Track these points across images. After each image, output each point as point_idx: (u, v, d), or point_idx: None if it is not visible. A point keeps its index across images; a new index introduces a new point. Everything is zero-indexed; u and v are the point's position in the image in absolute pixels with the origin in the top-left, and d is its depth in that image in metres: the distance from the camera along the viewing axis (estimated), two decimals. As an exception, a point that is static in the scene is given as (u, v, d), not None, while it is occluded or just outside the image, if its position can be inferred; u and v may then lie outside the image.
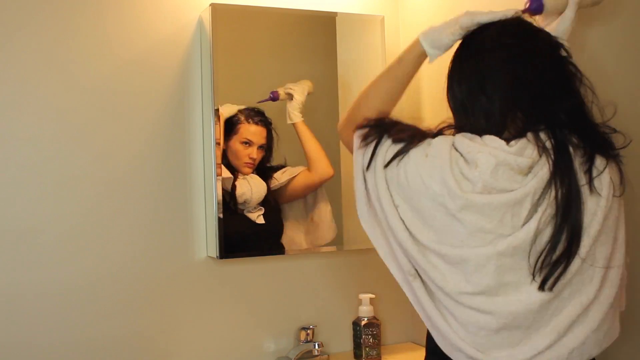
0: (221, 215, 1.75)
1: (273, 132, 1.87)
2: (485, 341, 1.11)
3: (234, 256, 1.80)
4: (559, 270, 1.08)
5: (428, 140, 1.18)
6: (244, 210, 1.83)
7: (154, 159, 1.78)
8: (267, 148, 1.88)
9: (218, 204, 1.75)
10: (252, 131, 1.84)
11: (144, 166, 1.77)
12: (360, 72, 1.97)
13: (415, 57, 1.28)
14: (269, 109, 1.87)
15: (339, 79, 1.94)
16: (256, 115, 1.85)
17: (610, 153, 1.15)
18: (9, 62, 1.64)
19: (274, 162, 1.89)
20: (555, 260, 1.08)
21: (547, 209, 1.09)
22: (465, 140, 1.13)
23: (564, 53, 1.19)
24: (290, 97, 1.88)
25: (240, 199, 1.81)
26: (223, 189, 1.77)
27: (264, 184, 1.85)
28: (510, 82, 1.15)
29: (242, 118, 1.84)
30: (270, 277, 1.91)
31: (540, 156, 1.11)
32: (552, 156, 1.10)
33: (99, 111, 1.72)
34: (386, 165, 1.19)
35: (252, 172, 1.85)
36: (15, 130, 1.65)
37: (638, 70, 1.41)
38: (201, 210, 1.83)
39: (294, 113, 1.88)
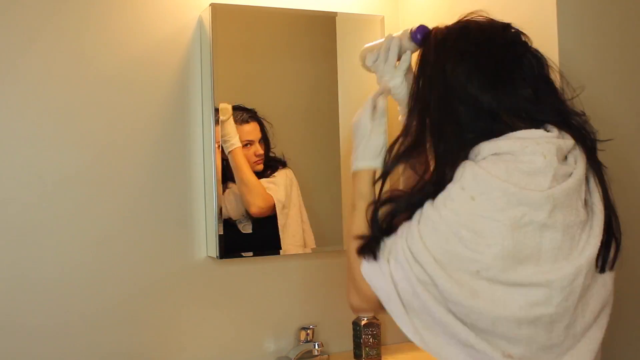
0: (221, 216, 1.75)
1: (264, 122, 1.86)
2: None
3: (234, 256, 1.80)
4: (613, 250, 1.11)
5: (451, 186, 1.08)
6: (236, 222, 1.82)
7: (154, 158, 1.78)
8: (266, 139, 1.87)
9: (218, 203, 1.75)
10: (247, 130, 1.83)
11: (143, 166, 1.77)
12: (360, 72, 1.96)
13: (366, 183, 1.22)
14: (253, 101, 1.84)
15: (339, 79, 1.94)
16: (245, 112, 1.84)
17: (590, 144, 1.16)
18: (8, 62, 1.64)
19: (275, 150, 1.88)
20: (607, 240, 1.10)
21: (598, 192, 1.12)
22: (504, 141, 1.09)
23: (522, 42, 1.18)
24: (226, 118, 1.79)
25: (225, 216, 1.79)
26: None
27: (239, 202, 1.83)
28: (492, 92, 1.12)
29: (235, 123, 1.83)
30: (270, 277, 1.91)
31: (575, 141, 1.13)
32: (580, 140, 1.13)
33: (99, 111, 1.72)
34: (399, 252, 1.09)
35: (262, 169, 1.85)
36: (15, 130, 1.65)
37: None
38: (201, 210, 1.83)
39: (235, 138, 1.79)
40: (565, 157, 1.11)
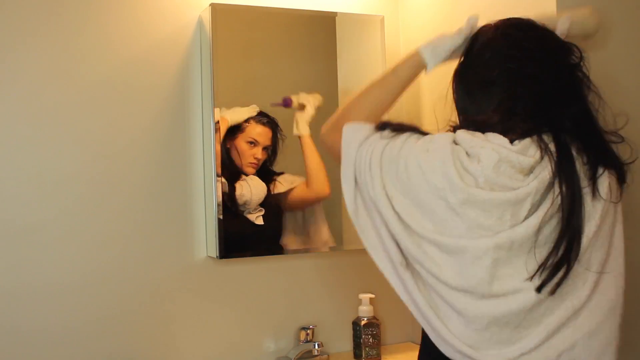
0: (221, 217, 1.75)
1: (279, 134, 1.87)
2: (474, 335, 1.10)
3: (234, 256, 1.80)
4: (560, 275, 1.08)
5: (429, 136, 1.18)
6: (244, 211, 1.83)
7: (154, 158, 1.78)
8: (272, 150, 1.88)
9: (218, 204, 1.75)
10: (258, 131, 1.84)
11: (143, 166, 1.77)
12: (360, 72, 1.97)
13: (411, 68, 1.28)
14: (277, 111, 1.86)
15: (339, 78, 1.94)
16: (263, 116, 1.85)
17: (612, 163, 1.15)
18: (8, 62, 1.64)
19: (277, 165, 1.89)
20: (556, 263, 1.08)
21: (549, 209, 1.09)
22: (467, 136, 1.13)
23: (575, 58, 1.18)
24: (302, 107, 1.87)
25: (240, 200, 1.81)
26: (222, 191, 1.77)
27: (263, 185, 1.85)
28: (515, 85, 1.15)
29: (250, 119, 1.84)
30: (270, 277, 1.91)
31: (542, 157, 1.11)
32: (555, 158, 1.10)
33: (99, 111, 1.72)
34: (383, 136, 1.20)
35: (254, 174, 1.85)
36: (14, 129, 1.65)
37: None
38: (201, 210, 1.83)
39: (303, 125, 1.87)
40: (531, 171, 1.11)
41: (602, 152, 1.15)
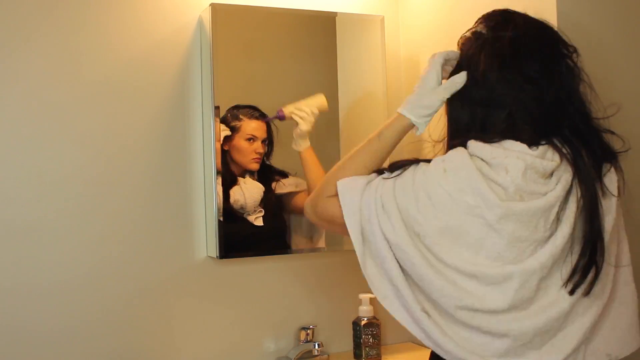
0: (221, 219, 1.75)
1: (272, 125, 1.87)
2: (517, 349, 1.10)
3: (234, 256, 1.80)
4: (591, 276, 1.10)
5: (439, 157, 1.14)
6: (243, 214, 1.83)
7: (154, 158, 1.78)
8: (268, 142, 1.88)
9: (218, 204, 1.75)
10: (253, 126, 1.84)
11: (144, 166, 1.77)
12: (360, 72, 1.97)
13: (397, 131, 1.24)
14: (253, 101, 1.85)
15: (339, 78, 1.94)
16: (254, 109, 1.85)
17: (611, 158, 1.17)
18: (8, 62, 1.64)
19: (274, 156, 1.88)
20: (586, 264, 1.10)
21: (575, 213, 1.10)
22: (485, 146, 1.12)
23: (566, 49, 1.19)
24: (295, 122, 1.86)
25: (235, 206, 1.81)
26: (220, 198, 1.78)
27: (259, 186, 1.85)
28: (518, 92, 1.14)
29: (242, 116, 1.84)
30: (270, 277, 1.91)
31: (562, 160, 1.12)
32: (572, 160, 1.12)
33: (99, 111, 1.72)
34: (385, 177, 1.16)
35: (252, 176, 1.85)
36: (14, 129, 1.65)
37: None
38: (201, 210, 1.83)
39: (297, 141, 1.85)
40: (551, 175, 1.12)
41: (602, 150, 1.16)
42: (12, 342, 1.63)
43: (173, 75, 1.80)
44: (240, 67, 1.84)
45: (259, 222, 1.84)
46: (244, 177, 1.84)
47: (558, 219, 1.10)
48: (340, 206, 1.17)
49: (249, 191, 1.83)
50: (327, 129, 1.90)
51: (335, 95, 1.93)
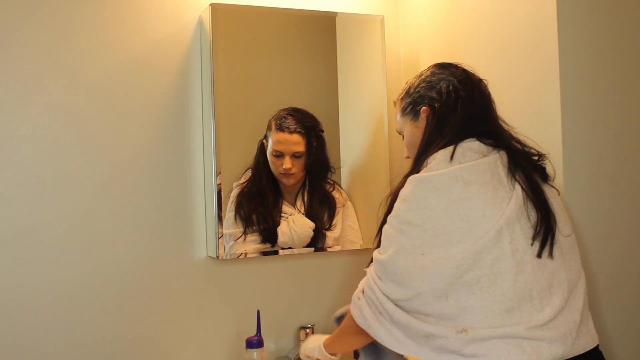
0: (221, 218, 1.75)
1: (312, 138, 1.81)
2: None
3: (234, 256, 1.80)
4: (549, 239, 1.28)
5: (413, 194, 1.29)
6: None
7: (154, 158, 1.78)
8: (308, 154, 1.81)
9: (218, 204, 1.75)
10: (279, 140, 1.77)
11: (144, 166, 1.77)
12: (360, 72, 1.97)
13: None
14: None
15: (339, 78, 1.94)
16: (286, 119, 1.81)
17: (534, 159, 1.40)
18: (8, 62, 1.64)
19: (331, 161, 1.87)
20: (545, 229, 1.28)
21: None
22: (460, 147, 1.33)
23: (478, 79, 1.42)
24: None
25: (281, 239, 1.78)
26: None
27: (307, 224, 1.77)
28: (465, 112, 1.38)
29: (272, 124, 1.79)
30: (270, 277, 1.91)
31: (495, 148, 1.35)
32: (504, 150, 1.34)
33: (99, 111, 1.72)
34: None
35: (298, 181, 1.82)
36: (14, 130, 1.65)
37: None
38: (201, 210, 1.83)
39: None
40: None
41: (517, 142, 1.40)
42: (12, 342, 1.63)
43: (173, 75, 1.80)
44: (240, 67, 1.84)
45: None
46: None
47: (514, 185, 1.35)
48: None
49: (300, 227, 1.76)
50: (326, 129, 1.90)
51: (335, 95, 1.93)
